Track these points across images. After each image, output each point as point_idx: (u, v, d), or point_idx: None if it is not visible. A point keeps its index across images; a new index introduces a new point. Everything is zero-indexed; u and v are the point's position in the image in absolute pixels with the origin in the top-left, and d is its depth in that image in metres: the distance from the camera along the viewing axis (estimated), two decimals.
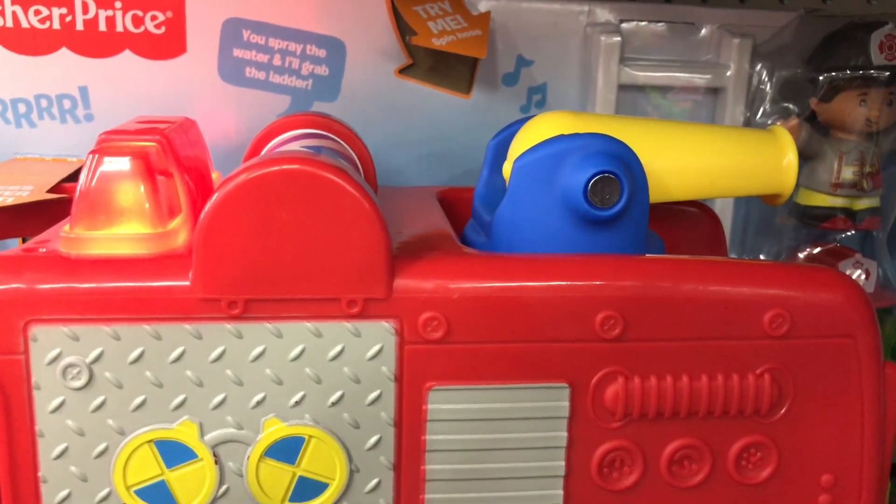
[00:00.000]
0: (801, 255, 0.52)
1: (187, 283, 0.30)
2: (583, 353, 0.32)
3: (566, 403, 0.32)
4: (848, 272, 0.50)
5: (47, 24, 0.47)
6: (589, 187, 0.33)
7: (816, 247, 0.52)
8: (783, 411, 0.33)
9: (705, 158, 0.37)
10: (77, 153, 0.49)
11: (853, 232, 0.52)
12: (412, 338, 0.31)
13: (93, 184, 0.31)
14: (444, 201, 0.43)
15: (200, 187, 0.37)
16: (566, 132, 0.35)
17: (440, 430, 0.32)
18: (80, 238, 0.31)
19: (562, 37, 0.52)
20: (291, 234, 0.29)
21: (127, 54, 0.48)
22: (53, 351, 0.29)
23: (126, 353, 0.30)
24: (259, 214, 0.29)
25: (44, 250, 0.31)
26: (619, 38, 0.50)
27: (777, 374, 0.33)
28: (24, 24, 0.47)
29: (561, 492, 0.33)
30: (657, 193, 0.36)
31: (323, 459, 0.31)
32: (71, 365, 0.30)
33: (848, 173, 0.50)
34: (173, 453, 0.30)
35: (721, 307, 0.32)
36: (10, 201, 0.39)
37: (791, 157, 0.37)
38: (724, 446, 0.33)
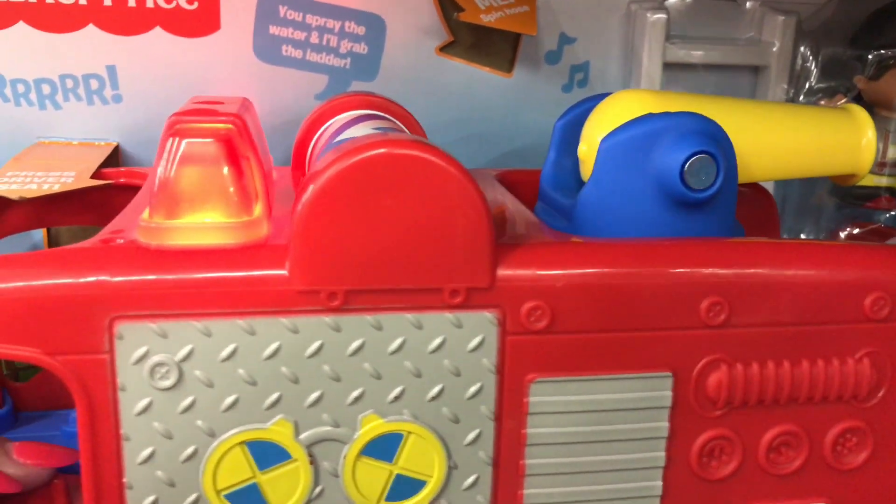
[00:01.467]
0: (842, 235, 0.52)
1: (285, 273, 0.28)
2: (687, 340, 0.31)
3: (669, 393, 0.31)
4: None
5: None
6: (685, 168, 0.32)
7: (857, 227, 0.52)
8: (881, 395, 0.33)
9: (787, 138, 0.36)
10: (105, 136, 0.46)
11: (894, 212, 0.51)
12: (515, 328, 0.29)
13: (173, 169, 0.28)
14: (503, 184, 0.42)
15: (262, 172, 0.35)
16: (649, 111, 0.34)
17: (541, 423, 0.30)
18: (161, 227, 0.29)
19: (605, 14, 0.50)
20: (394, 221, 0.28)
21: (157, 31, 0.45)
22: (140, 349, 0.27)
23: (218, 350, 0.28)
24: (361, 201, 0.27)
25: (121, 241, 0.29)
26: (664, 15, 0.49)
27: (876, 358, 0.32)
28: (48, 0, 0.44)
29: (660, 483, 0.32)
30: (742, 174, 0.35)
31: (421, 456, 0.30)
32: (159, 364, 0.28)
33: (893, 152, 0.50)
34: (266, 454, 0.29)
35: (823, 291, 0.31)
36: (56, 188, 0.37)
37: (870, 136, 0.37)
38: (822, 432, 0.33)
